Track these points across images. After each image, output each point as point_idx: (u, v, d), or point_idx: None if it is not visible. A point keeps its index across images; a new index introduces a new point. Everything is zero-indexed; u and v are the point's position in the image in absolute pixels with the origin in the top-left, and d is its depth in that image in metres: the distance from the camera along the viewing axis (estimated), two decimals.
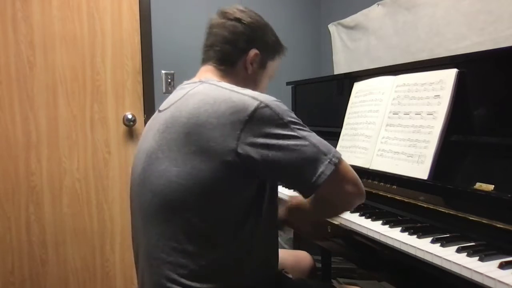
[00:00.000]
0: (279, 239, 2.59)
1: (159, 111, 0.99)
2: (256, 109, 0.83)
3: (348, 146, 1.47)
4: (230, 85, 0.93)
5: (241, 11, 1.04)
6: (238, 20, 1.02)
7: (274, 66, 1.11)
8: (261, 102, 0.84)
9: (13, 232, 1.96)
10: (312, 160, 0.83)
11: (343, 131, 1.52)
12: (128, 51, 2.12)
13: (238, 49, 1.02)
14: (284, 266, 1.11)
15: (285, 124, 0.84)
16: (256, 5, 2.39)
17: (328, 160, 0.84)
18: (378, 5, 2.04)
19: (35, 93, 1.96)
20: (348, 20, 2.28)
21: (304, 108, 2.01)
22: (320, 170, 0.83)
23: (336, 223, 1.18)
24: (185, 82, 1.01)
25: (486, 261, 0.81)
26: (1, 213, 1.93)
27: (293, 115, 0.87)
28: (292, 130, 0.84)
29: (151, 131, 0.95)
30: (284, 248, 2.49)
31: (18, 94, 1.93)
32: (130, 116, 2.12)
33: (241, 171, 0.83)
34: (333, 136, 1.58)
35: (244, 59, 1.03)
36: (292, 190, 1.56)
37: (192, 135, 0.84)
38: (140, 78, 2.16)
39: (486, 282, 0.75)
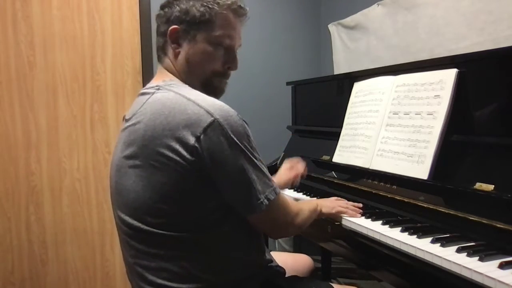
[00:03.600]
0: (279, 239, 2.58)
1: (125, 120, 0.97)
2: (209, 126, 0.80)
3: (348, 146, 1.47)
4: (189, 91, 0.88)
5: None
6: (161, 7, 0.96)
7: (221, 33, 0.93)
8: (215, 119, 0.80)
9: (13, 232, 1.95)
10: (247, 192, 0.85)
11: (343, 131, 1.52)
12: (128, 51, 2.12)
13: (162, 34, 0.95)
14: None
15: (236, 145, 0.82)
16: (256, 5, 2.40)
17: (261, 200, 0.85)
18: (378, 5, 2.04)
19: (35, 93, 1.96)
20: (348, 20, 2.28)
21: (304, 108, 2.01)
22: (251, 206, 0.85)
23: (336, 223, 1.18)
24: (146, 85, 0.97)
25: (486, 261, 0.81)
26: (1, 213, 1.93)
27: (246, 138, 0.84)
28: (240, 152, 0.82)
29: (119, 143, 0.95)
30: (284, 247, 2.49)
31: (18, 94, 1.93)
32: None
33: (201, 180, 0.83)
34: (333, 136, 1.58)
35: (168, 43, 0.95)
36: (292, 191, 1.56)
37: (150, 149, 0.83)
38: (140, 78, 2.15)
39: (486, 282, 0.76)
